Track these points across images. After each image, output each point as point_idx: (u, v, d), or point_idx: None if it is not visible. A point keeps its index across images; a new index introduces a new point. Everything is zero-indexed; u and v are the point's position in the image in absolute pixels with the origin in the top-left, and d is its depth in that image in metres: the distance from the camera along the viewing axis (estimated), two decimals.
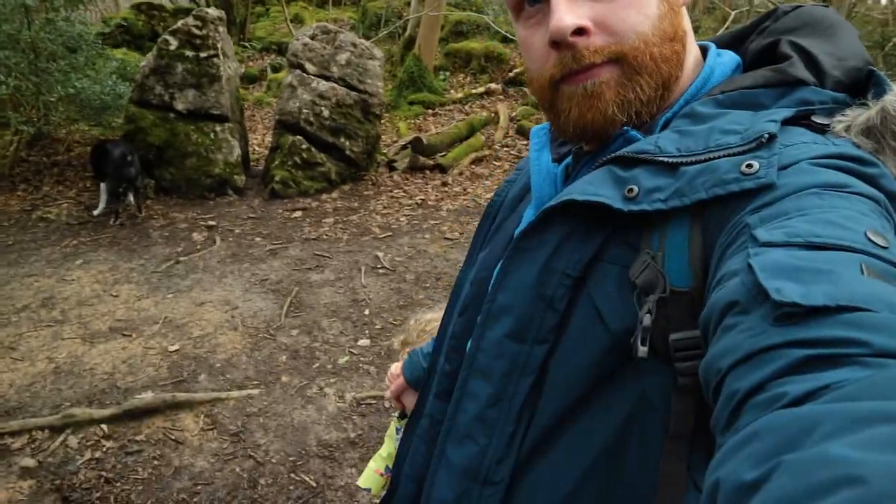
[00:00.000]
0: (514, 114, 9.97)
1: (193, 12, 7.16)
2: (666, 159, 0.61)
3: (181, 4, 14.98)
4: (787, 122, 0.61)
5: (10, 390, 3.56)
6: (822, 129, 0.61)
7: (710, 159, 0.58)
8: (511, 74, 11.37)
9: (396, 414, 1.98)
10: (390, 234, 6.30)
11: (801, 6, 0.74)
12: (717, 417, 0.44)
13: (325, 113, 7.26)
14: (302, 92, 7.25)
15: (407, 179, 7.86)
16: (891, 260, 0.46)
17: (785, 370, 0.40)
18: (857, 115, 0.60)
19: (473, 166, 8.39)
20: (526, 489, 0.70)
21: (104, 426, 3.30)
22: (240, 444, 3.23)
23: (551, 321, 0.67)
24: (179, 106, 6.83)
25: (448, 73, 11.83)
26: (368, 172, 7.77)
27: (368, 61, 7.61)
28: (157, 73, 6.81)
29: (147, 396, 3.52)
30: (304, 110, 7.21)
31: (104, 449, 3.15)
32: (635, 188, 0.61)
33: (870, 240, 0.47)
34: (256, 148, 8.79)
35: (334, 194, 7.26)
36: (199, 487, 2.93)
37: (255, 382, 3.75)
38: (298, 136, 7.21)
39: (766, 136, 0.57)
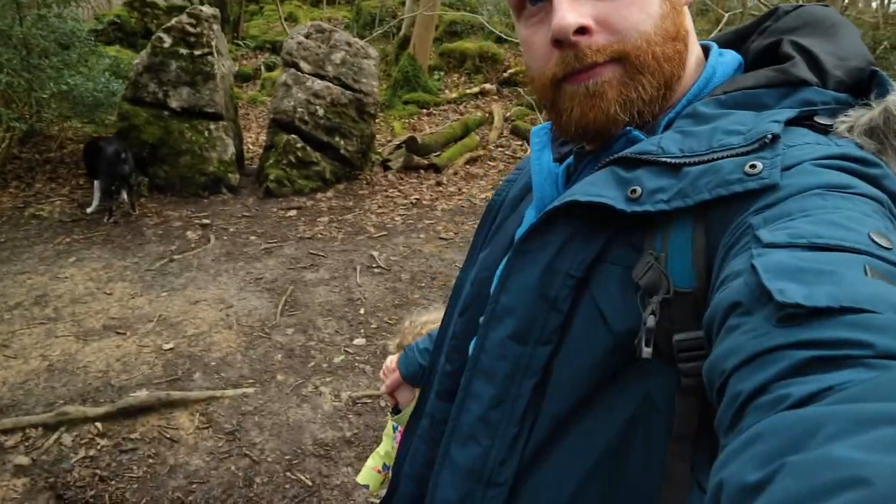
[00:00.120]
0: (508, 114, 9.98)
1: (187, 10, 7.13)
2: (669, 160, 0.61)
3: (174, 2, 14.92)
4: (790, 123, 0.61)
5: (3, 388, 3.54)
6: (824, 130, 0.61)
7: (713, 160, 0.58)
8: (506, 75, 11.39)
9: (390, 409, 1.99)
10: (385, 233, 6.30)
11: (802, 5, 0.74)
12: (720, 418, 0.44)
13: (320, 112, 7.25)
14: (297, 91, 7.23)
15: (401, 179, 7.86)
16: (894, 261, 0.46)
17: (788, 372, 0.40)
18: (859, 116, 0.60)
19: (468, 166, 8.40)
20: (529, 490, 0.70)
21: (98, 424, 3.28)
22: (235, 442, 3.22)
23: (555, 322, 0.66)
24: (173, 104, 6.80)
25: (442, 73, 11.83)
26: (363, 172, 7.76)
27: (363, 60, 7.60)
28: (151, 70, 6.78)
29: (141, 394, 3.50)
30: (299, 109, 7.19)
31: (98, 447, 3.14)
32: (638, 189, 0.61)
33: (873, 241, 0.47)
34: (251, 147, 8.76)
35: (329, 193, 7.25)
36: (194, 486, 2.92)
37: (251, 381, 3.75)
38: (293, 135, 7.20)
39: (770, 136, 0.57)
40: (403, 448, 1.06)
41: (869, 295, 0.41)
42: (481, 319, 0.77)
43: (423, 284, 5.19)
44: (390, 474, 1.93)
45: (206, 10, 7.09)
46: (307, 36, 7.50)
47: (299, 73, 7.33)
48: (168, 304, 4.63)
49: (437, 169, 8.12)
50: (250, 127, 9.85)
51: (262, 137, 8.49)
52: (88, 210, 6.25)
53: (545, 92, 0.72)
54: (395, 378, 1.45)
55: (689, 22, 0.73)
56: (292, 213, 6.68)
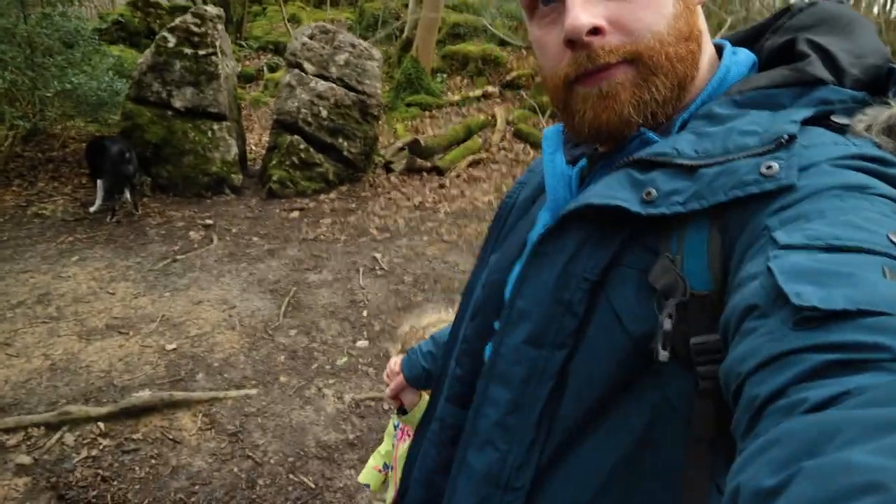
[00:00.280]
0: (511, 117, 9.98)
1: (192, 10, 7.13)
2: (684, 162, 0.60)
3: (178, 2, 14.93)
4: (806, 123, 0.60)
5: (5, 387, 3.52)
6: (842, 129, 0.60)
7: (729, 161, 0.58)
8: (508, 78, 11.39)
9: (395, 411, 1.99)
10: (388, 235, 6.29)
11: (816, 2, 0.73)
12: (737, 422, 0.44)
13: (324, 113, 7.25)
14: (300, 92, 7.23)
15: (404, 181, 7.85)
16: None
17: (805, 375, 0.39)
18: (877, 114, 0.60)
19: (471, 169, 8.39)
20: (547, 495, 0.69)
21: (101, 424, 3.27)
22: (238, 444, 3.21)
23: (570, 326, 0.66)
24: (177, 103, 6.80)
25: (445, 76, 11.84)
26: (366, 174, 7.76)
27: (367, 62, 7.60)
28: (155, 70, 6.78)
29: (144, 395, 3.49)
30: (303, 110, 7.19)
31: (101, 447, 3.13)
32: (653, 191, 0.60)
33: (892, 242, 0.46)
34: (253, 147, 8.76)
35: (332, 195, 7.25)
36: (196, 487, 2.91)
37: (254, 382, 3.74)
38: (296, 136, 7.19)
39: (786, 136, 0.57)
40: (413, 452, 1.06)
41: (887, 297, 0.41)
42: (497, 324, 0.77)
43: (425, 287, 5.18)
44: (397, 477, 1.94)
45: (211, 9, 7.09)
46: (311, 37, 7.50)
47: (303, 73, 7.33)
48: (171, 304, 4.62)
49: (440, 171, 8.11)
50: (253, 128, 9.84)
51: (265, 138, 8.48)
52: (91, 209, 6.24)
53: (557, 93, 0.72)
54: (398, 381, 1.45)
55: (702, 22, 0.72)
56: (295, 214, 6.67)
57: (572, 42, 0.66)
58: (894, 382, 0.36)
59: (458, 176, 8.13)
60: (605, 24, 0.65)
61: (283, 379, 3.79)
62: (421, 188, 7.71)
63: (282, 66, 11.60)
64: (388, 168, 8.05)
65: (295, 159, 7.12)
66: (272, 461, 3.10)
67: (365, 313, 4.68)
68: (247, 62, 12.94)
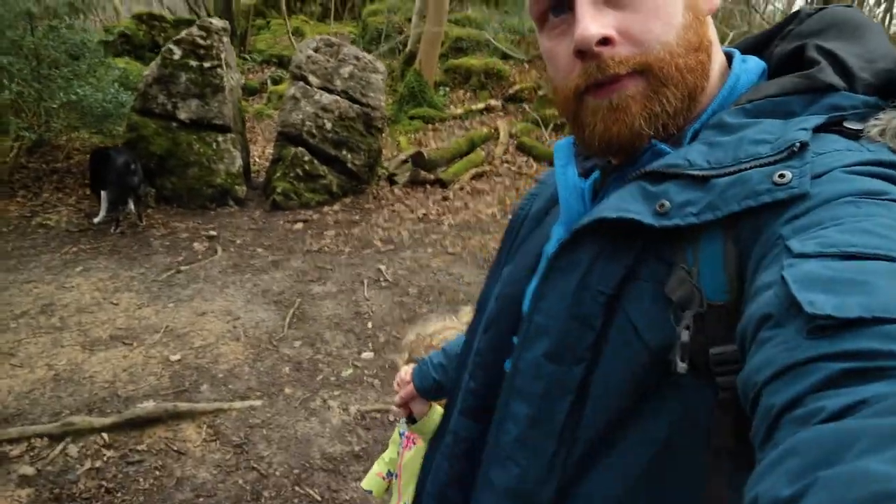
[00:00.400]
0: (513, 130, 10.01)
1: (198, 22, 7.19)
2: (696, 172, 0.60)
3: (182, 15, 15.04)
4: (818, 130, 0.59)
5: (8, 397, 3.50)
6: (855, 135, 0.60)
7: (741, 171, 0.57)
8: (511, 91, 11.44)
9: (403, 419, 1.99)
10: (392, 247, 6.29)
11: (825, 7, 0.72)
12: (755, 432, 0.43)
13: (328, 125, 7.27)
14: (305, 104, 7.26)
15: (408, 193, 7.86)
16: None
17: (822, 384, 0.39)
18: (891, 118, 0.59)
19: (474, 181, 8.40)
20: None
21: (105, 435, 3.25)
22: (243, 455, 3.19)
23: (588, 340, 0.65)
24: (182, 115, 6.83)
25: (448, 89, 11.89)
26: (370, 186, 7.77)
27: (371, 75, 7.64)
28: (161, 82, 6.81)
29: (148, 405, 3.47)
30: (307, 122, 7.22)
31: (105, 458, 3.10)
32: (666, 203, 0.60)
33: None
34: (257, 159, 8.78)
35: (336, 207, 7.25)
36: (201, 499, 2.88)
37: (258, 393, 3.71)
38: (301, 148, 7.21)
39: (798, 144, 0.56)
40: (426, 466, 1.05)
41: None
42: (515, 339, 0.76)
43: (430, 299, 5.17)
44: (401, 484, 1.93)
45: (217, 22, 7.14)
46: (316, 50, 7.55)
47: (308, 86, 7.36)
48: (175, 315, 4.61)
49: (444, 184, 8.13)
50: (256, 140, 9.88)
51: (269, 150, 8.51)
52: (95, 220, 6.24)
53: (568, 104, 0.72)
54: (408, 390, 1.45)
55: (712, 31, 0.72)
56: (299, 225, 6.67)
57: (582, 53, 0.66)
58: None
59: (461, 188, 8.14)
60: (615, 34, 0.65)
61: (287, 390, 3.77)
62: (424, 200, 7.72)
63: (285, 79, 11.67)
64: (391, 180, 8.07)
65: (299, 171, 7.13)
66: (277, 473, 3.07)
67: (370, 325, 4.66)
68: (250, 75, 13.01)
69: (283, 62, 12.95)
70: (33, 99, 6.52)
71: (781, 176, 0.55)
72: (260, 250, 5.98)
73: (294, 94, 7.34)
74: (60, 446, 3.14)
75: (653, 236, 0.61)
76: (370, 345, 4.38)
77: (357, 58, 7.67)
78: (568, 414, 0.67)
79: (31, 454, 3.08)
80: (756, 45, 0.79)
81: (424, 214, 7.26)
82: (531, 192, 0.97)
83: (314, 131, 7.24)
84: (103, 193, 6.20)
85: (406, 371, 1.49)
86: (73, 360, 3.93)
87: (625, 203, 0.63)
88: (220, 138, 7.01)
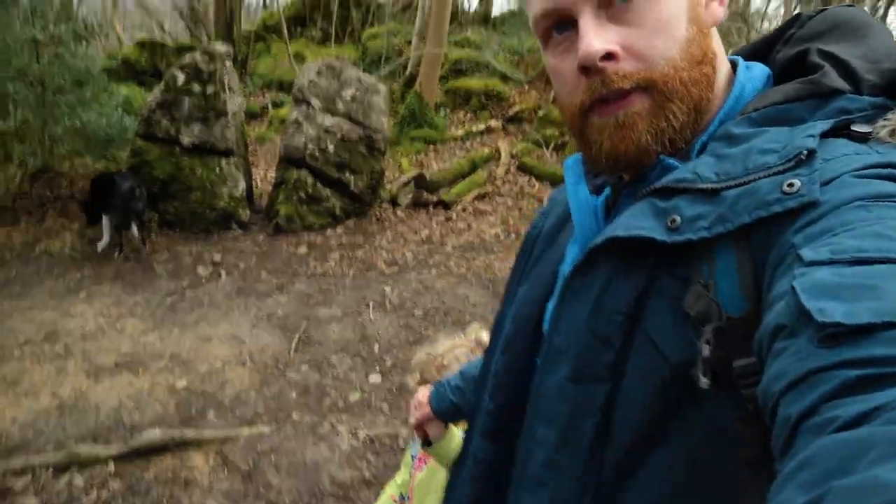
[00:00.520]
0: (515, 151, 10.04)
1: (201, 47, 7.24)
2: (705, 186, 0.59)
3: (183, 42, 15.18)
4: (826, 135, 0.59)
5: (12, 427, 3.46)
6: (863, 138, 0.59)
7: (750, 181, 0.57)
8: (511, 112, 11.49)
9: (418, 442, 1.97)
10: (396, 269, 6.27)
11: (825, 9, 0.72)
12: (774, 443, 0.43)
13: (331, 148, 7.29)
14: (307, 127, 7.29)
15: (411, 215, 7.86)
16: None
17: (835, 392, 0.38)
18: None
19: (476, 202, 8.40)
20: None
21: (111, 464, 3.20)
22: (251, 483, 3.14)
23: (608, 359, 0.65)
24: (185, 140, 6.85)
25: (448, 110, 11.94)
26: (372, 208, 7.77)
27: (373, 97, 7.68)
28: (164, 107, 6.84)
29: (155, 434, 3.42)
30: (310, 145, 7.23)
31: (111, 488, 3.06)
32: (677, 218, 0.59)
33: None
34: (259, 183, 8.79)
35: (339, 229, 7.24)
36: None
37: (266, 419, 3.67)
38: (303, 171, 7.23)
39: (806, 152, 0.56)
40: (451, 491, 1.03)
41: None
42: (538, 361, 0.76)
43: (436, 320, 5.14)
44: None
45: (220, 47, 7.20)
46: (318, 73, 7.59)
47: (310, 109, 7.39)
48: (180, 340, 4.57)
49: (446, 205, 8.13)
50: (258, 164, 9.90)
51: (270, 174, 8.52)
52: (99, 246, 6.23)
53: (574, 121, 0.72)
54: (425, 412, 1.45)
55: (716, 42, 0.71)
56: (303, 249, 6.66)
57: (586, 69, 0.66)
58: None
59: (464, 209, 8.14)
60: (618, 49, 0.65)
61: (295, 416, 3.72)
62: (428, 222, 7.72)
63: (286, 102, 11.73)
64: (394, 202, 8.06)
65: (302, 194, 7.13)
66: (287, 500, 3.02)
67: (376, 348, 4.62)
68: (251, 99, 13.09)
69: (283, 86, 13.03)
70: (38, 125, 6.54)
71: (791, 185, 0.54)
72: (264, 274, 5.96)
73: (296, 118, 7.37)
74: (66, 477, 3.10)
75: (666, 252, 0.60)
76: (377, 368, 4.34)
77: (359, 80, 7.71)
78: (594, 435, 0.66)
79: (36, 485, 3.04)
80: (759, 50, 0.78)
81: (428, 236, 7.25)
82: (543, 210, 0.97)
83: (317, 154, 7.26)
84: (105, 219, 6.20)
85: (422, 393, 1.49)
86: (77, 388, 3.89)
87: (636, 221, 0.62)
88: (223, 162, 7.02)
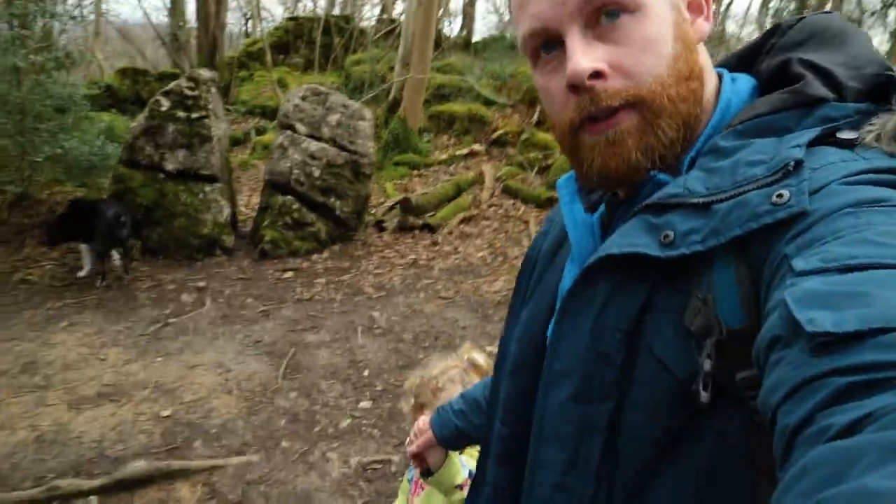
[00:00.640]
0: (499, 174, 10.09)
1: (186, 74, 7.22)
2: (697, 200, 0.60)
3: (165, 69, 15.18)
4: (812, 144, 0.59)
5: None
6: (850, 145, 0.59)
7: (740, 194, 0.58)
8: (494, 136, 11.57)
9: (409, 469, 1.94)
10: (384, 293, 6.22)
11: (804, 17, 0.72)
12: (775, 452, 0.43)
13: (316, 173, 7.27)
14: (293, 152, 7.26)
15: (397, 239, 7.83)
16: None
17: (828, 401, 0.39)
18: (885, 122, 0.59)
19: (462, 226, 8.40)
20: None
21: (93, 498, 3.09)
22: None
23: (611, 376, 0.65)
24: (169, 166, 6.78)
25: (432, 135, 12.00)
26: (358, 232, 7.73)
27: (359, 122, 7.69)
28: (148, 133, 6.79)
29: (139, 465, 3.31)
30: (295, 170, 7.20)
31: None
32: (670, 233, 0.60)
33: None
34: (242, 209, 8.73)
35: (324, 254, 7.19)
36: None
37: (254, 448, 3.57)
38: (289, 196, 7.18)
39: (793, 163, 0.56)
40: None
41: None
42: (539, 384, 0.76)
43: (426, 344, 5.08)
44: None
45: (205, 73, 7.19)
46: (303, 98, 7.60)
47: (295, 134, 7.38)
48: (164, 369, 4.47)
49: (432, 229, 8.11)
50: (241, 190, 9.84)
51: (254, 200, 8.47)
52: (80, 274, 6.12)
53: (565, 138, 0.72)
54: (427, 438, 1.42)
55: (703, 57, 0.72)
56: (289, 274, 6.59)
57: (575, 87, 0.67)
58: None
59: (450, 233, 8.13)
60: (606, 67, 0.65)
61: (285, 444, 3.63)
62: (414, 246, 7.69)
63: (269, 129, 11.73)
64: (380, 227, 8.04)
65: (287, 219, 7.08)
66: None
67: (366, 373, 4.55)
68: (234, 126, 13.07)
69: (266, 113, 13.05)
70: (17, 153, 6.45)
71: (780, 196, 0.55)
72: (250, 300, 5.88)
73: (282, 143, 7.35)
74: None
75: (664, 268, 0.61)
76: (367, 394, 4.26)
77: (344, 105, 7.73)
78: (601, 453, 0.66)
79: None
80: (743, 60, 0.79)
81: (414, 260, 7.22)
82: (541, 231, 0.97)
83: (302, 179, 7.22)
84: (84, 247, 6.08)
85: (423, 420, 1.46)
86: (58, 420, 3.76)
87: (629, 238, 0.63)
88: (206, 188, 6.96)
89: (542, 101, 0.75)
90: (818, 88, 0.63)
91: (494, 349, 2.07)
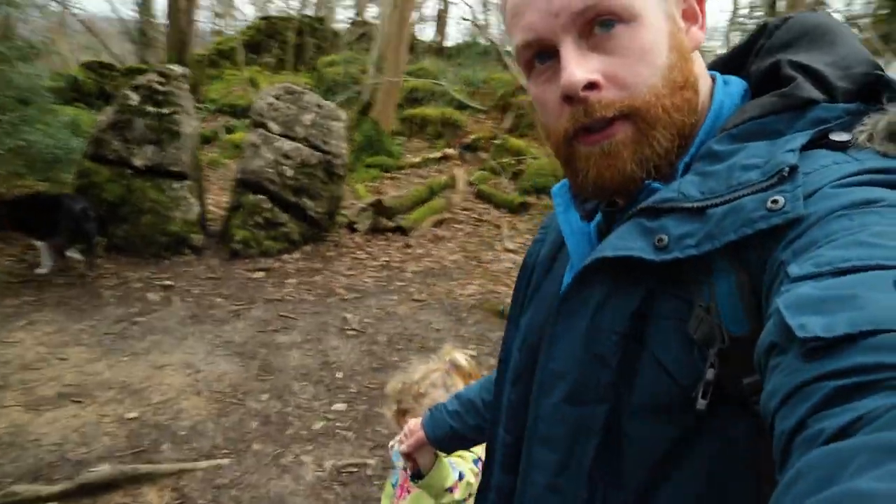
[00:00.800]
0: (472, 178, 10.09)
1: (157, 68, 7.05)
2: (691, 205, 0.60)
3: (132, 65, 14.84)
4: (806, 147, 0.59)
5: None
6: (842, 146, 0.59)
7: (735, 199, 0.58)
8: (467, 140, 11.58)
9: (398, 471, 1.91)
10: (357, 295, 6.14)
11: (791, 16, 0.72)
12: (774, 457, 0.43)
13: (289, 172, 7.15)
14: (265, 151, 7.14)
15: (369, 241, 7.76)
16: None
17: (820, 405, 0.39)
18: (876, 122, 0.58)
19: (435, 229, 8.37)
20: None
21: None
22: None
23: (606, 379, 0.65)
24: (137, 162, 6.60)
25: (405, 138, 11.96)
26: (330, 233, 7.63)
27: (333, 122, 7.60)
28: (116, 127, 6.59)
29: (103, 469, 3.19)
30: (268, 169, 7.08)
31: None
32: (664, 237, 0.60)
33: None
34: (212, 208, 8.54)
35: (296, 255, 7.07)
36: None
37: (225, 451, 3.47)
38: (261, 196, 7.05)
39: (787, 168, 0.56)
40: None
41: (891, 313, 0.40)
42: (533, 387, 0.76)
43: (400, 346, 5.02)
44: None
45: (177, 68, 7.03)
46: (277, 97, 7.48)
47: (268, 133, 7.25)
48: (130, 369, 4.32)
49: (404, 231, 8.06)
50: (211, 188, 9.63)
51: (223, 199, 8.29)
52: (38, 271, 5.90)
53: (559, 148, 0.72)
54: (418, 438, 1.40)
55: (698, 65, 0.72)
56: (259, 274, 6.46)
57: (569, 98, 0.66)
58: None
59: (423, 236, 8.09)
60: (600, 78, 0.65)
61: (256, 446, 3.53)
62: (386, 248, 7.62)
63: (239, 128, 11.54)
64: (352, 228, 7.95)
65: (259, 219, 6.95)
66: None
67: (339, 375, 4.47)
68: (204, 124, 12.83)
69: (236, 112, 12.85)
70: None
71: (775, 202, 0.55)
72: (219, 300, 5.74)
73: (254, 141, 7.22)
74: None
75: (659, 272, 0.60)
76: (341, 396, 4.19)
77: (319, 105, 7.63)
78: (595, 457, 0.66)
79: None
80: (733, 60, 0.79)
81: (387, 262, 7.15)
82: (536, 238, 0.97)
83: (275, 178, 7.10)
84: (42, 243, 5.87)
85: (415, 422, 1.43)
86: (15, 423, 3.60)
87: (623, 241, 0.63)
88: (175, 185, 6.79)
89: (537, 111, 0.75)
90: (809, 90, 0.63)
91: (471, 352, 2.04)
